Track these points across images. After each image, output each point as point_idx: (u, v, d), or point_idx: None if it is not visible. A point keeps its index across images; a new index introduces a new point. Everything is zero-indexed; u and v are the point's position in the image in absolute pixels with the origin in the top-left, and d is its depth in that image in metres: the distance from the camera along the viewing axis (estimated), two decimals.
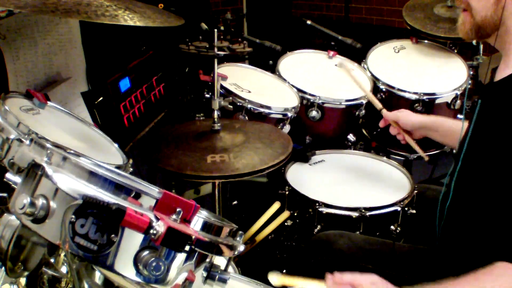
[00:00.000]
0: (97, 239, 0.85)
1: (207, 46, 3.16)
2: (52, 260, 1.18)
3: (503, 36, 1.29)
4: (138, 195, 0.93)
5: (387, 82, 2.52)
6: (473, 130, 1.35)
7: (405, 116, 1.94)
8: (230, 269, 1.08)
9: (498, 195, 1.18)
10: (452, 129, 1.80)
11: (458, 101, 2.49)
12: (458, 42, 2.87)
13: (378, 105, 2.06)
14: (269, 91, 2.41)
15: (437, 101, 2.47)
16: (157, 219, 0.86)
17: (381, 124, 2.01)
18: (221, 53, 1.97)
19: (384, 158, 2.30)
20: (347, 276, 1.25)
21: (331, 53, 2.71)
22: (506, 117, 1.17)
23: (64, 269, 1.19)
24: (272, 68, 2.63)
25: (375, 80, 2.55)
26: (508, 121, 1.16)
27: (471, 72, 2.61)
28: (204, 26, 2.68)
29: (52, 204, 0.87)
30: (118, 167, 1.38)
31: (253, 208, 2.27)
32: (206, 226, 0.97)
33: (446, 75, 2.60)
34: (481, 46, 2.94)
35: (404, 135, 1.94)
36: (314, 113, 2.37)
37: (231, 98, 2.17)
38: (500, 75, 1.30)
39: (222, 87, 2.15)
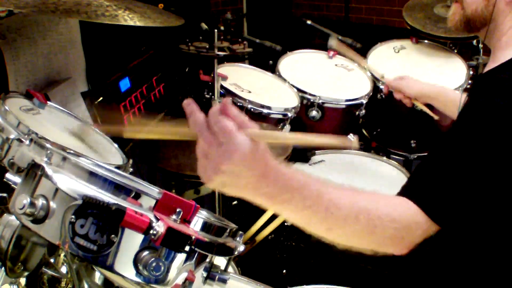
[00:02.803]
0: (97, 239, 0.85)
1: (207, 46, 3.16)
2: (52, 260, 1.18)
3: (492, 32, 1.29)
4: (138, 195, 0.93)
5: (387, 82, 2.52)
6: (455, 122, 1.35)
7: (408, 85, 1.97)
8: (230, 269, 1.08)
9: (443, 156, 1.16)
10: (455, 100, 1.80)
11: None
12: (458, 42, 2.87)
13: (378, 73, 2.05)
14: (269, 91, 2.41)
15: None
16: (157, 219, 0.86)
17: (384, 90, 2.08)
18: (221, 53, 1.97)
19: (384, 158, 2.30)
20: (235, 110, 0.94)
21: (331, 53, 2.71)
22: (485, 101, 1.16)
23: (64, 269, 1.19)
24: (272, 68, 2.63)
25: (375, 80, 2.55)
26: (485, 105, 1.15)
27: (471, 72, 2.61)
28: (204, 26, 2.67)
29: (52, 204, 0.87)
30: (118, 167, 1.38)
31: (253, 208, 2.27)
32: (206, 226, 0.97)
33: (446, 75, 2.60)
34: (481, 46, 2.94)
35: (409, 100, 1.98)
36: (314, 113, 2.37)
37: (231, 98, 2.17)
38: (487, 68, 1.31)
39: (222, 87, 2.15)
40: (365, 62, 2.22)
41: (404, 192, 1.14)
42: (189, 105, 0.94)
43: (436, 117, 2.05)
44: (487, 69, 1.30)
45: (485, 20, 1.28)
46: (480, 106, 1.14)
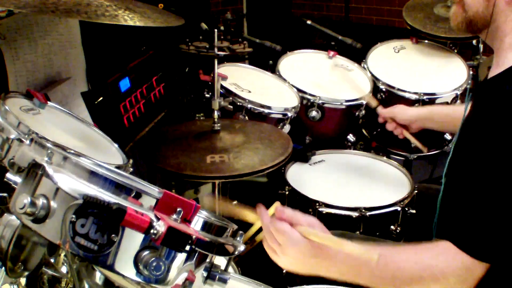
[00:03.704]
0: (97, 239, 0.85)
1: (207, 46, 3.16)
2: (52, 260, 1.18)
3: (494, 33, 1.29)
4: (138, 195, 0.93)
5: (387, 82, 2.53)
6: (462, 127, 1.35)
7: (400, 111, 2.00)
8: (230, 269, 1.08)
9: (472, 184, 1.18)
10: (450, 115, 1.82)
11: (458, 101, 2.49)
12: (458, 42, 2.88)
13: (373, 103, 2.07)
14: (269, 91, 2.41)
15: (437, 101, 2.47)
16: (158, 219, 0.86)
17: (380, 120, 2.07)
18: (221, 53, 1.97)
19: (384, 158, 2.30)
20: (288, 212, 1.20)
21: (331, 53, 2.71)
22: (492, 116, 1.17)
23: (64, 269, 1.19)
24: (272, 68, 2.63)
25: (375, 80, 2.55)
26: (493, 120, 1.16)
27: (471, 72, 2.61)
28: (204, 26, 2.68)
29: (53, 204, 0.87)
30: (118, 167, 1.38)
31: (253, 208, 2.27)
32: (207, 226, 0.97)
33: (446, 75, 2.60)
34: (481, 46, 2.94)
35: (401, 130, 2.00)
36: (314, 113, 2.37)
37: (231, 98, 2.17)
38: (492, 73, 1.30)
39: (222, 87, 2.15)
40: (365, 91, 2.27)
41: (447, 239, 1.17)
42: (260, 210, 1.21)
43: (425, 150, 2.12)
44: (491, 73, 1.30)
45: (486, 21, 1.28)
46: (497, 130, 1.15)
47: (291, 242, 1.15)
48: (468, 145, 1.21)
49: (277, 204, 1.90)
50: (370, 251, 1.10)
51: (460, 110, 1.74)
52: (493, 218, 1.11)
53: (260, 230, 1.87)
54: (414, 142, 2.04)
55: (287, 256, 1.17)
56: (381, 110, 2.05)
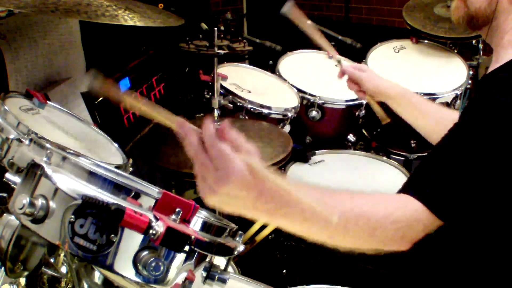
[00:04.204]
0: (96, 239, 0.85)
1: (207, 45, 3.16)
2: (51, 260, 1.18)
3: (494, 31, 1.29)
4: (137, 195, 0.93)
5: None
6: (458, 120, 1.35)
7: (366, 78, 1.79)
8: (230, 269, 1.08)
9: (442, 150, 1.16)
10: (415, 104, 1.72)
11: (458, 101, 2.49)
12: (458, 42, 2.87)
13: (337, 57, 1.91)
14: (269, 91, 2.41)
15: (437, 101, 2.47)
16: (157, 219, 0.86)
17: (339, 75, 1.86)
18: (221, 51, 1.97)
19: (384, 158, 2.30)
20: (233, 132, 0.95)
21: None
22: (486, 99, 1.16)
23: (63, 269, 1.19)
24: (272, 68, 2.63)
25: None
26: (486, 103, 1.15)
27: (471, 72, 2.61)
28: (204, 26, 2.67)
29: (52, 204, 0.87)
30: (118, 167, 1.38)
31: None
32: (206, 226, 0.97)
33: (446, 75, 2.60)
34: (481, 46, 2.94)
35: (363, 95, 1.81)
36: (314, 113, 2.37)
37: (231, 97, 2.17)
38: (490, 69, 1.31)
39: (222, 87, 2.15)
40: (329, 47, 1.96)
41: (406, 188, 1.14)
42: (183, 126, 0.95)
43: (386, 121, 1.88)
44: (490, 69, 1.30)
45: (487, 18, 1.28)
46: (481, 103, 1.14)
47: (232, 168, 0.90)
48: (460, 127, 1.19)
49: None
50: (329, 208, 0.96)
51: (433, 108, 1.72)
52: (459, 182, 1.09)
53: (260, 230, 1.88)
54: (377, 110, 1.84)
55: (221, 186, 0.92)
56: (345, 65, 1.84)
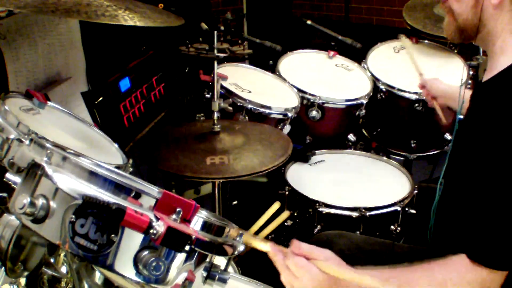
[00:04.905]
0: (97, 239, 0.85)
1: (207, 48, 3.16)
2: (52, 260, 1.18)
3: (486, 38, 1.30)
4: (138, 195, 0.92)
5: (387, 82, 2.53)
6: (458, 131, 1.36)
7: (433, 83, 2.09)
8: (230, 269, 1.08)
9: (475, 194, 1.19)
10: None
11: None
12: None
13: (419, 70, 2.19)
14: (269, 91, 2.41)
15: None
16: (157, 219, 0.86)
17: (419, 86, 2.17)
18: (221, 55, 1.97)
19: (384, 158, 2.30)
20: (305, 246, 1.21)
21: (331, 53, 2.71)
22: (487, 120, 1.17)
23: (64, 269, 1.18)
24: (272, 68, 2.63)
25: (375, 80, 2.55)
26: (489, 124, 1.16)
27: (471, 72, 2.61)
28: (204, 26, 2.68)
29: (52, 204, 0.87)
30: (118, 167, 1.38)
31: (253, 208, 2.27)
32: (206, 226, 0.97)
33: (446, 75, 2.60)
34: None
35: (430, 98, 2.10)
36: (314, 113, 2.37)
37: (231, 99, 2.17)
38: (486, 76, 1.31)
39: (222, 87, 2.15)
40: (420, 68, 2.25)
41: (460, 247, 1.18)
42: (274, 253, 1.21)
43: (444, 121, 2.13)
44: (486, 76, 1.31)
45: (476, 28, 1.29)
46: (491, 132, 1.16)
47: (309, 276, 1.17)
48: (466, 149, 1.21)
49: (277, 204, 1.90)
50: (387, 283, 1.13)
51: None
52: (503, 223, 1.12)
53: (260, 230, 1.88)
54: (439, 112, 2.10)
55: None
56: (423, 78, 2.15)
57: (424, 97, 2.19)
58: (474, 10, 1.27)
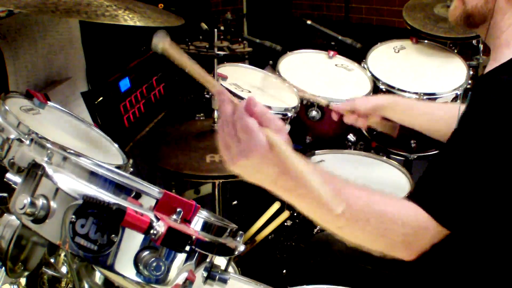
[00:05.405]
0: (97, 239, 0.85)
1: (207, 46, 3.16)
2: (52, 260, 1.18)
3: (491, 30, 1.30)
4: (138, 195, 0.93)
5: (387, 82, 2.52)
6: (459, 122, 1.35)
7: (362, 102, 1.90)
8: (230, 269, 1.08)
9: (449, 158, 1.17)
10: (412, 108, 1.79)
11: (458, 101, 2.49)
12: (458, 42, 2.87)
13: (323, 101, 2.04)
14: (269, 91, 2.41)
15: (437, 101, 2.47)
16: (158, 219, 0.86)
17: (334, 117, 1.95)
18: (221, 53, 1.97)
19: (384, 158, 2.30)
20: (261, 107, 0.99)
21: (331, 53, 2.71)
22: (490, 109, 1.16)
23: (64, 269, 1.19)
24: (272, 68, 2.63)
25: (375, 80, 2.55)
26: (491, 112, 1.15)
27: (471, 72, 2.61)
28: (204, 26, 2.68)
29: (53, 204, 0.87)
30: (118, 167, 1.38)
31: (253, 208, 2.27)
32: (207, 226, 0.97)
33: (446, 75, 2.60)
34: (481, 46, 2.94)
35: (364, 121, 1.88)
36: (314, 113, 2.37)
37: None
38: (488, 68, 1.31)
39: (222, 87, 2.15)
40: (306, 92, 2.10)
41: (412, 197, 1.14)
42: (221, 94, 1.00)
43: (394, 135, 1.95)
44: (488, 69, 1.30)
45: (484, 16, 1.29)
46: (482, 108, 1.14)
47: (253, 144, 0.96)
48: (462, 134, 1.20)
49: (277, 204, 1.90)
50: (336, 199, 0.94)
51: (426, 106, 1.74)
52: (464, 190, 1.10)
53: (260, 230, 1.88)
54: (382, 129, 1.92)
55: (241, 159, 0.97)
56: (335, 105, 1.93)
57: (353, 123, 1.91)
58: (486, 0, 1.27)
